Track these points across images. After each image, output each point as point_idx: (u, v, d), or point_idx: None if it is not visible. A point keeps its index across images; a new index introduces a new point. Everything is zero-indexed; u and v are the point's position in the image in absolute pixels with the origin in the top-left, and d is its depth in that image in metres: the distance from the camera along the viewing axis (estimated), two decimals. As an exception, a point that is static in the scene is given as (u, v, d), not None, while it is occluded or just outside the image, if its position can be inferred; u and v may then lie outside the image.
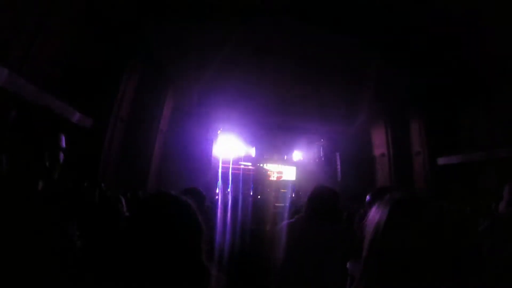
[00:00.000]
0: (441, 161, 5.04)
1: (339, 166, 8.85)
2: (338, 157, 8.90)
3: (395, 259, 0.82)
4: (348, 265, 1.72)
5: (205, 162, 7.54)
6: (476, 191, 4.03)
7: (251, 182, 11.70)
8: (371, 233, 0.95)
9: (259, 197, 10.69)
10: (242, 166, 12.00)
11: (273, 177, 12.70)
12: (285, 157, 13.11)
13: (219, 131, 9.18)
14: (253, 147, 12.36)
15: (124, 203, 2.78)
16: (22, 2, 2.52)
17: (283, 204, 9.04)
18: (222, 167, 11.18)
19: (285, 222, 2.07)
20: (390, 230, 0.90)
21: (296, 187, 12.17)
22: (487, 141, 4.34)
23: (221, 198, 8.85)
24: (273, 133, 9.61)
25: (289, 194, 11.23)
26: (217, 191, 9.90)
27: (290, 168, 13.00)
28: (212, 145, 8.29)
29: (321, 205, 1.96)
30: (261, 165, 12.46)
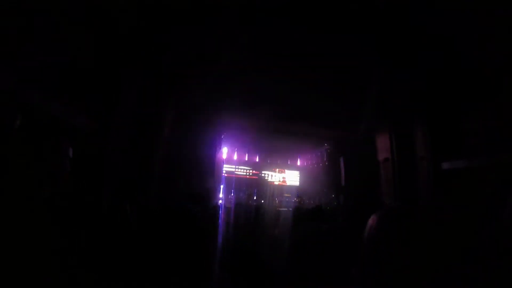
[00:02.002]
0: (445, 166, 5.00)
1: (343, 171, 8.81)
2: (342, 162, 8.86)
3: (387, 262, 0.83)
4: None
5: (208, 167, 7.55)
6: (480, 195, 3.99)
7: (254, 187, 11.72)
8: (365, 238, 0.96)
9: (262, 201, 10.69)
10: (245, 171, 12.01)
11: (277, 182, 12.68)
12: (289, 161, 13.09)
13: (222, 136, 9.21)
14: (256, 151, 12.39)
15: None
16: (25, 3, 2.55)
17: (286, 209, 9.05)
18: (226, 172, 11.20)
19: None
20: (380, 236, 0.92)
21: (299, 192, 12.16)
22: (492, 145, 4.32)
23: (224, 203, 8.88)
24: (276, 137, 9.60)
25: (293, 199, 11.24)
26: (220, 195, 9.93)
27: (293, 172, 12.98)
28: (215, 150, 8.33)
29: None
30: (265, 170, 12.44)
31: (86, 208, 2.65)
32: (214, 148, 8.19)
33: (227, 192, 10.65)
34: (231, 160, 11.64)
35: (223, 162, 11.12)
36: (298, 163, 13.33)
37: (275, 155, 12.81)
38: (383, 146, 6.94)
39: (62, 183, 2.74)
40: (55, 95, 3.11)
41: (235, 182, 11.39)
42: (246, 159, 12.37)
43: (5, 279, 1.64)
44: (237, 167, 11.86)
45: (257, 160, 12.66)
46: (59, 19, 2.94)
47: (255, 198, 11.12)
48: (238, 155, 11.87)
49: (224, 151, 10.90)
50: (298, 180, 13.01)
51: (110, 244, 2.30)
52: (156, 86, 5.17)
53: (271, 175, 12.66)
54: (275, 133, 9.00)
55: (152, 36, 4.12)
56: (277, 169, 12.98)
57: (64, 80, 3.25)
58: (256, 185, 12.04)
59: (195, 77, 5.52)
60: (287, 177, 13.00)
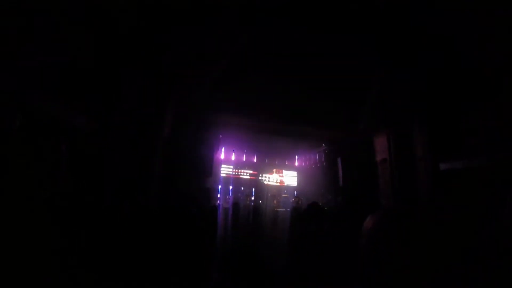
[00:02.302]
0: (443, 166, 5.00)
1: (340, 172, 8.79)
2: (339, 163, 8.85)
3: (386, 262, 0.83)
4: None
5: (207, 167, 7.53)
6: (480, 195, 3.99)
7: (252, 187, 11.73)
8: (364, 239, 0.97)
9: (260, 202, 10.70)
10: (243, 171, 12.01)
11: (275, 183, 12.68)
12: (287, 162, 13.08)
13: (221, 136, 9.19)
14: (254, 152, 12.38)
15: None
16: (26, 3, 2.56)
17: (284, 209, 9.05)
18: (224, 172, 11.20)
19: None
20: (379, 236, 0.92)
21: (297, 192, 12.18)
22: (492, 145, 4.32)
23: (222, 203, 8.88)
24: (275, 138, 9.59)
25: (291, 200, 11.25)
26: (218, 195, 9.94)
27: (291, 173, 12.97)
28: (214, 150, 8.32)
29: None
30: (263, 170, 12.44)
31: (86, 208, 2.65)
32: (212, 148, 8.19)
33: (225, 192, 10.67)
34: (229, 160, 11.61)
35: (221, 162, 11.12)
36: (296, 163, 13.30)
37: (273, 155, 12.77)
38: (381, 146, 6.94)
39: (62, 183, 2.74)
40: (55, 95, 3.12)
41: (233, 183, 11.40)
42: (244, 159, 12.34)
43: (5, 279, 1.64)
44: (235, 167, 11.84)
45: (255, 160, 12.62)
46: (59, 19, 2.94)
47: (253, 198, 11.13)
48: (236, 155, 11.84)
49: (222, 151, 10.91)
50: (296, 181, 12.99)
51: (110, 244, 2.31)
52: (156, 86, 5.16)
53: (269, 176, 12.64)
54: (273, 133, 8.98)
55: (152, 36, 4.12)
56: (275, 170, 12.95)
57: (64, 80, 3.25)
58: (254, 185, 12.03)
59: (194, 77, 5.52)
60: (285, 177, 12.98)
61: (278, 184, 12.80)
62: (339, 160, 8.88)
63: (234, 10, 3.57)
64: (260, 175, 12.48)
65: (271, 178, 12.71)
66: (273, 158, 12.89)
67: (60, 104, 3.21)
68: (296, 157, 13.14)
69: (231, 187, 11.17)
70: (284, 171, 13.04)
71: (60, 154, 2.86)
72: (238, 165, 11.94)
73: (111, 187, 3.78)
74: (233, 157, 11.65)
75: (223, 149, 10.86)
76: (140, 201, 3.40)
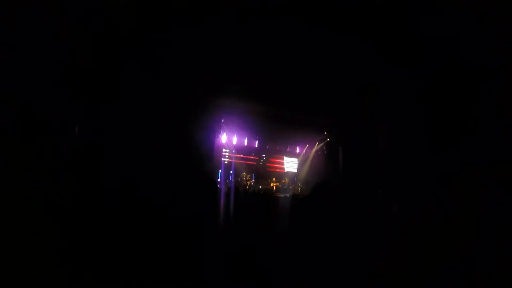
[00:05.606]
0: (443, 165, 5.02)
1: (341, 161, 8.83)
2: (340, 152, 8.89)
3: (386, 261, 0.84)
4: None
5: (208, 151, 7.50)
6: (480, 195, 3.99)
7: (253, 172, 11.72)
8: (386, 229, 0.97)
9: (260, 187, 10.70)
10: (244, 156, 11.98)
11: (275, 168, 12.67)
12: (288, 148, 13.09)
13: (223, 120, 9.17)
14: (256, 137, 12.35)
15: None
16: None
17: (283, 195, 9.08)
18: (225, 156, 11.19)
19: None
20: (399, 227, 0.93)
21: (297, 179, 12.23)
22: (492, 145, 4.32)
23: (223, 187, 8.85)
24: (276, 124, 9.61)
25: (290, 186, 11.35)
26: (218, 179, 9.92)
27: (292, 159, 12.99)
28: (215, 134, 8.30)
29: None
30: (263, 155, 12.43)
31: (86, 208, 2.66)
32: (214, 132, 8.17)
33: (225, 177, 10.67)
34: (230, 145, 11.56)
35: (222, 146, 11.09)
36: (297, 150, 13.30)
37: (275, 141, 12.76)
38: (381, 141, 7.00)
39: (62, 183, 2.75)
40: (55, 95, 3.12)
41: (233, 167, 11.36)
42: (246, 144, 12.29)
43: (5, 279, 1.65)
44: (236, 152, 11.78)
45: (256, 145, 12.58)
46: (59, 19, 2.94)
47: (253, 183, 11.14)
48: (238, 140, 11.79)
49: (224, 136, 10.88)
50: (296, 167, 13.02)
51: (110, 243, 2.31)
52: (156, 73, 5.16)
53: (270, 161, 12.64)
54: (275, 119, 9.03)
55: (151, 36, 4.14)
56: (276, 155, 12.96)
57: (64, 79, 3.26)
58: (254, 170, 12.02)
59: (195, 69, 5.55)
60: (285, 163, 12.99)
61: (278, 169, 12.80)
62: (340, 149, 8.91)
63: (234, 10, 3.58)
64: (261, 160, 12.47)
65: (272, 164, 12.72)
66: (275, 144, 12.88)
67: (60, 104, 3.21)
68: (298, 144, 13.12)
69: (231, 172, 11.15)
70: (285, 157, 13.03)
71: (60, 154, 2.87)
72: (240, 150, 11.87)
73: (111, 186, 3.79)
74: (234, 142, 11.57)
75: (225, 133, 10.82)
76: (140, 200, 3.40)
